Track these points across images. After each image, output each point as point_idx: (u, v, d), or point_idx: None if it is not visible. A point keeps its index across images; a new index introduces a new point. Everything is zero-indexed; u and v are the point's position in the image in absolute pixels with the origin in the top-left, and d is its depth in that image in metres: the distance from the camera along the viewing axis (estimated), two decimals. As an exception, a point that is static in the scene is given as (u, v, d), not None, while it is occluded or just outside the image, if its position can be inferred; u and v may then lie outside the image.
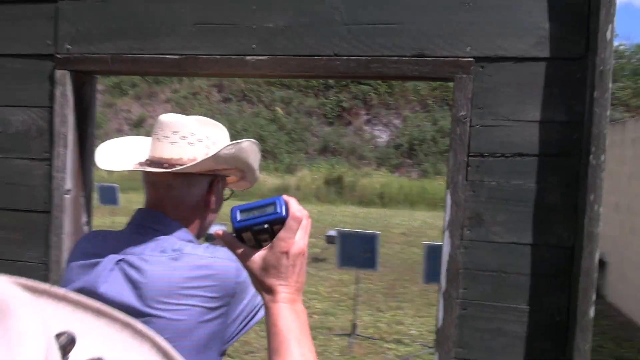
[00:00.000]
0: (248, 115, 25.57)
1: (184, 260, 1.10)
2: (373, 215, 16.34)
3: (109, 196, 9.67)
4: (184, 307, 1.06)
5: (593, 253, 1.36)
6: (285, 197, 0.86)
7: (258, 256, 0.83)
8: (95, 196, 9.83)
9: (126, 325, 0.43)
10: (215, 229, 0.92)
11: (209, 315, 1.08)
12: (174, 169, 1.17)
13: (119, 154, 1.33)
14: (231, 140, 1.24)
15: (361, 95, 25.08)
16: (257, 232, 0.83)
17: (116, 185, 9.85)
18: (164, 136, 1.22)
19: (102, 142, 1.37)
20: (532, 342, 1.43)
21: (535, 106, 1.43)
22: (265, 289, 0.83)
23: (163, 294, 1.06)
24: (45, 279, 1.73)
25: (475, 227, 1.46)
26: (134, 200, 16.66)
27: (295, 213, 0.83)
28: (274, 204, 0.83)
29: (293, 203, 0.84)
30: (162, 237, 1.17)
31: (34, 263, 1.75)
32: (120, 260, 1.13)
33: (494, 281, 1.45)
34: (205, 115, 1.38)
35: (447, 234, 1.47)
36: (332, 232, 8.37)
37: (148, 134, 1.37)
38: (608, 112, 1.34)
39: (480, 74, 1.46)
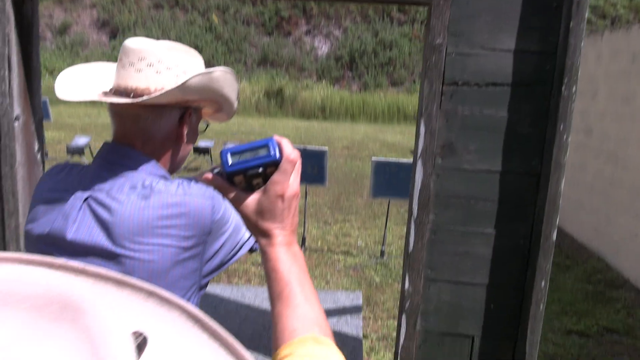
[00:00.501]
0: (182, 23, 24.30)
1: (155, 198, 1.05)
2: (315, 128, 16.37)
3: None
4: (157, 247, 1.03)
5: (559, 180, 1.42)
6: (277, 137, 0.82)
7: (252, 200, 0.81)
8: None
9: (151, 294, 0.41)
10: (205, 173, 0.88)
11: (183, 255, 1.06)
12: (139, 100, 1.08)
13: (80, 83, 1.22)
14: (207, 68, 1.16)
15: (300, 4, 24.22)
16: (250, 176, 0.80)
17: (46, 98, 9.28)
18: (130, 63, 1.12)
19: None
20: (498, 264, 1.51)
21: (511, 35, 1.42)
22: (261, 233, 0.81)
23: (134, 233, 1.02)
24: (0, 210, 1.65)
25: (448, 155, 1.48)
26: (65, 114, 15.90)
27: (289, 155, 0.80)
28: (266, 146, 0.80)
29: (286, 144, 0.81)
30: (131, 172, 1.11)
31: (-14, 195, 1.65)
32: (87, 197, 1.07)
33: (464, 207, 1.50)
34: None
35: (419, 162, 1.49)
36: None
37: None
38: (582, 44, 1.35)
39: (458, 0, 1.42)
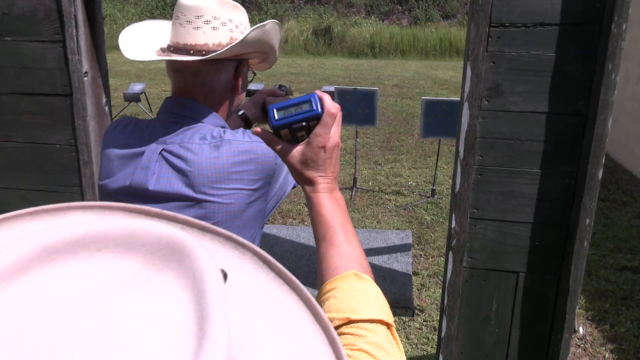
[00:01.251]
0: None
1: (225, 147, 1.14)
2: (364, 66, 16.13)
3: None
4: (232, 191, 1.13)
5: (606, 120, 1.43)
6: (319, 93, 0.88)
7: (297, 151, 0.87)
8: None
9: (228, 238, 0.49)
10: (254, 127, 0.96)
11: (254, 196, 1.17)
12: (204, 57, 1.15)
13: (139, 42, 1.31)
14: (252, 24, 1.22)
15: None
16: (295, 129, 0.87)
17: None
18: (187, 21, 1.18)
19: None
20: (543, 203, 1.55)
21: (560, -27, 1.40)
22: (305, 181, 0.88)
23: (211, 180, 1.12)
24: (75, 159, 1.80)
25: (494, 97, 1.51)
26: (119, 61, 16.28)
27: (330, 109, 0.86)
28: (309, 101, 0.86)
29: (327, 99, 0.87)
30: (197, 124, 1.19)
31: (62, 145, 1.81)
32: (162, 150, 1.16)
33: (510, 148, 1.54)
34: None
35: (466, 105, 1.52)
36: (329, 88, 8.35)
37: None
38: (635, -21, 1.33)
39: (505, -61, 1.40)
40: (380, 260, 2.17)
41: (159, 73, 13.79)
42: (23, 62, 1.74)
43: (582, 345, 3.38)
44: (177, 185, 1.15)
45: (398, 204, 5.52)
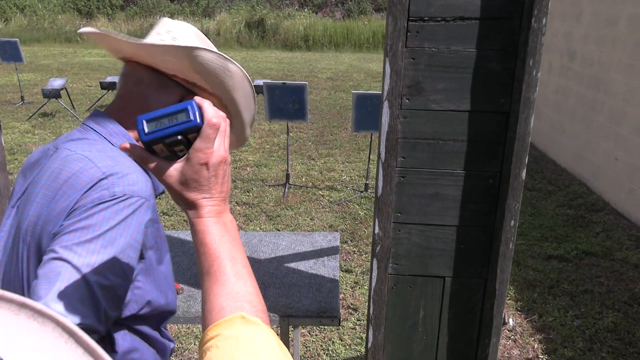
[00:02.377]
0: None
1: (55, 155, 1.04)
2: (298, 59, 16.03)
3: (11, 52, 8.81)
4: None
5: (528, 118, 1.37)
6: (197, 99, 0.75)
7: (174, 169, 0.74)
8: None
9: (22, 306, 0.38)
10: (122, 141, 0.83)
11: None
12: (136, 41, 1.01)
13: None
14: None
15: None
16: (169, 144, 0.73)
17: (16, 39, 8.92)
18: (157, 32, 1.11)
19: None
20: (467, 205, 1.49)
21: (479, -36, 1.33)
22: (187, 204, 0.76)
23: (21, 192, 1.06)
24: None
25: (415, 95, 1.43)
26: (40, 54, 15.38)
27: (211, 119, 0.73)
28: (185, 110, 0.73)
29: (207, 107, 0.74)
30: (95, 135, 1.07)
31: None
32: (48, 150, 1.10)
33: (432, 149, 1.46)
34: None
35: (386, 104, 1.43)
36: (259, 82, 8.19)
37: None
38: (554, -29, 1.27)
39: None
40: (306, 265, 2.07)
41: (83, 67, 13.13)
42: None
43: (512, 336, 3.43)
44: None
45: (332, 200, 5.46)
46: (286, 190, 5.56)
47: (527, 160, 1.41)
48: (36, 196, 0.99)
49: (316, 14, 21.89)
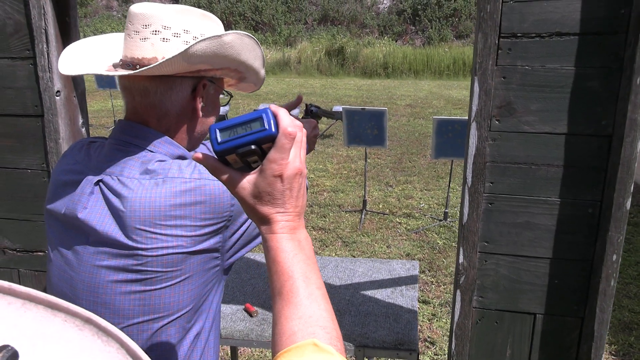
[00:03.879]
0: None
1: (167, 185, 0.96)
2: (377, 87, 16.04)
3: (106, 79, 9.40)
4: (168, 238, 0.95)
5: (635, 142, 1.25)
6: (273, 107, 0.71)
7: (247, 181, 0.70)
8: (93, 79, 9.58)
9: (87, 321, 0.36)
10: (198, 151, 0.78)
11: (199, 245, 0.98)
12: (136, 71, 0.96)
13: (89, 56, 1.13)
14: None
15: (361, -43, 23.47)
16: (242, 154, 0.70)
17: (113, 68, 9.51)
18: (135, 31, 1.00)
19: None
20: (563, 236, 1.37)
21: (579, -24, 1.24)
22: (259, 219, 0.71)
23: (144, 224, 0.95)
24: (46, 185, 1.66)
25: (505, 117, 1.33)
26: (133, 82, 16.35)
27: (286, 128, 0.69)
28: (260, 119, 0.69)
29: (283, 115, 0.70)
30: (144, 152, 1.02)
31: (34, 170, 1.66)
32: (99, 181, 1.00)
33: (524, 174, 1.36)
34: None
35: (473, 125, 1.35)
36: (338, 108, 8.23)
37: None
38: (666, -19, 1.16)
39: (516, -62, 1.25)
40: (383, 294, 1.99)
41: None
42: (-8, 81, 1.61)
43: (606, 382, 3.14)
44: (109, 226, 0.97)
45: (409, 228, 5.32)
46: (363, 216, 5.49)
47: (632, 188, 1.28)
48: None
49: (396, 41, 21.92)
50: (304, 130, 0.73)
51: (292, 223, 0.71)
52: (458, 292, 1.45)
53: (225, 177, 0.71)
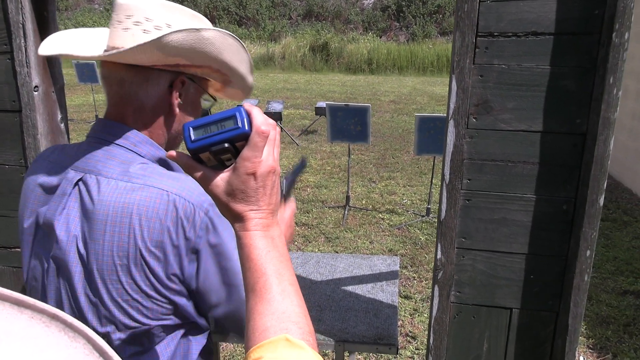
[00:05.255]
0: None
1: (144, 192, 0.94)
2: (361, 82, 16.07)
3: (88, 73, 9.30)
4: (115, 245, 0.94)
5: (608, 140, 1.27)
6: (246, 106, 0.72)
7: (221, 179, 0.72)
8: (74, 73, 9.47)
9: (54, 318, 0.36)
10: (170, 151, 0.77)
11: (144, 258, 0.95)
12: (108, 53, 0.95)
13: (72, 42, 1.10)
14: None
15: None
16: (216, 152, 0.71)
17: (93, 62, 9.42)
18: (118, 21, 0.99)
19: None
20: (538, 232, 1.39)
21: (554, -24, 1.26)
22: (233, 216, 0.73)
23: (96, 230, 0.93)
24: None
25: (482, 114, 1.35)
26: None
27: (260, 127, 0.70)
28: (233, 117, 0.71)
29: (256, 114, 0.72)
30: (124, 151, 1.00)
31: (12, 166, 1.65)
32: (79, 180, 0.99)
33: (500, 171, 1.38)
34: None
35: (451, 123, 1.37)
36: (321, 104, 8.23)
37: None
38: (638, -18, 1.18)
39: (493, -62, 1.26)
40: (364, 289, 2.00)
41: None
42: (-32, 75, 1.59)
43: (583, 375, 3.20)
44: (77, 229, 0.95)
45: (392, 224, 5.36)
46: (346, 212, 5.51)
47: (605, 185, 1.31)
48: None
49: (380, 37, 21.96)
50: (278, 129, 0.73)
51: (265, 220, 0.72)
52: (436, 288, 1.47)
53: (198, 174, 0.72)
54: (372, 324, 1.78)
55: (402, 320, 3.65)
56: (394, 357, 3.24)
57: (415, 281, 4.22)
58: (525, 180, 1.37)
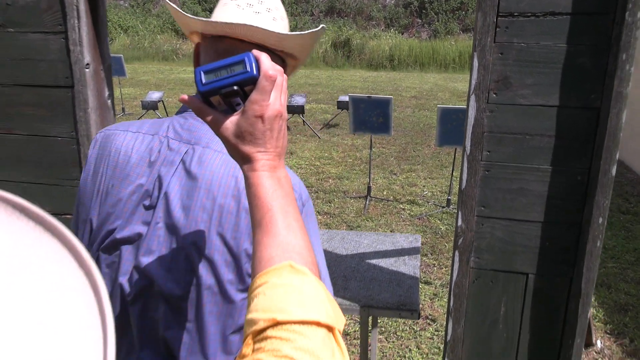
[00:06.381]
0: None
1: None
2: (383, 78, 16.11)
3: (115, 67, 9.52)
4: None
5: (620, 113, 1.36)
6: (255, 52, 0.74)
7: (230, 122, 0.74)
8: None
9: (3, 200, 0.40)
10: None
11: None
12: (293, 33, 0.95)
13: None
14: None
15: (368, -51, 23.46)
16: (226, 95, 0.73)
17: (120, 55, 9.65)
18: (248, 4, 0.99)
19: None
20: (553, 201, 1.48)
21: (571, -41, 1.35)
22: (242, 158, 0.75)
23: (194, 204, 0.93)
24: (76, 152, 1.78)
25: (502, 90, 1.45)
26: (140, 70, 16.46)
27: (267, 71, 0.73)
28: (242, 62, 0.73)
29: (264, 59, 0.74)
30: None
31: (64, 138, 1.79)
32: (186, 151, 0.98)
33: (518, 143, 1.47)
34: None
35: (473, 97, 1.47)
36: (344, 98, 8.33)
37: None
38: (650, -36, 1.27)
39: None
40: (387, 262, 2.11)
41: (178, 83, 13.91)
42: (26, 54, 1.73)
43: (600, 359, 3.26)
44: (180, 203, 0.95)
45: (412, 214, 5.44)
46: (367, 202, 5.61)
47: (617, 156, 1.39)
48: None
49: (402, 34, 21.94)
50: (285, 76, 0.77)
51: (272, 162, 0.75)
52: (457, 253, 1.57)
53: (209, 118, 0.76)
54: (395, 292, 1.88)
55: (422, 304, 3.74)
56: (415, 338, 3.34)
57: (435, 268, 4.31)
58: (542, 152, 1.46)
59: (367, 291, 1.88)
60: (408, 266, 2.08)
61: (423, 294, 3.89)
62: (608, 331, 3.54)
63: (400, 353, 3.20)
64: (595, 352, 3.31)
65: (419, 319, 1.80)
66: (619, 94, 1.35)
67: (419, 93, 13.19)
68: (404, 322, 3.50)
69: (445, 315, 1.66)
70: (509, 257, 1.56)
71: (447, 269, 4.31)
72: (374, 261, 2.12)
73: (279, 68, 0.75)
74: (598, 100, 1.40)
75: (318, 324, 0.59)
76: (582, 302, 1.50)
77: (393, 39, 20.64)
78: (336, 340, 0.60)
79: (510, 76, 1.44)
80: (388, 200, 5.77)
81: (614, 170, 1.40)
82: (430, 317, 3.60)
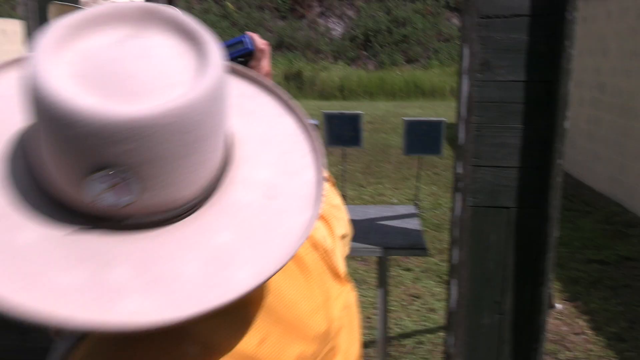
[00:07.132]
0: (197, 11, 24.83)
1: None
2: (336, 107, 16.85)
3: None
4: None
5: (567, 83, 1.95)
6: (249, 33, 0.98)
7: None
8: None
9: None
10: None
11: None
12: None
13: None
14: None
15: (314, -13, 24.59)
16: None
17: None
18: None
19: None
20: (526, 150, 2.05)
21: (528, -22, 1.95)
22: None
23: None
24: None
25: (485, 71, 2.02)
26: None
27: (259, 45, 0.96)
28: (242, 41, 0.96)
29: (256, 37, 0.97)
30: None
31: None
32: None
33: (498, 109, 2.04)
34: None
35: (465, 77, 2.03)
36: (314, 121, 8.89)
37: None
38: (581, -21, 1.87)
39: (488, -46, 1.95)
40: (394, 223, 2.62)
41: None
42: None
43: (560, 317, 3.85)
44: None
45: (385, 217, 6.01)
46: (342, 210, 6.14)
47: (566, 113, 1.98)
48: None
49: (350, 65, 22.96)
50: (270, 46, 1.08)
51: None
52: (458, 194, 2.10)
53: None
54: (406, 239, 2.40)
55: (406, 286, 4.26)
56: (404, 309, 3.83)
57: (412, 258, 4.85)
58: (515, 114, 2.03)
59: (383, 239, 2.39)
60: (410, 224, 2.60)
61: (406, 278, 4.41)
62: (564, 298, 4.16)
63: (394, 322, 3.69)
64: (556, 312, 3.90)
65: (426, 255, 2.31)
66: (566, 70, 1.94)
67: (372, 119, 13.96)
68: (393, 300, 4.00)
69: (450, 246, 2.18)
70: (495, 195, 2.10)
71: (423, 259, 4.85)
72: (383, 222, 2.63)
73: (265, 42, 1.01)
74: (552, 75, 1.99)
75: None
76: (549, 225, 2.06)
77: (342, 71, 21.60)
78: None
79: (490, 61, 2.01)
80: (361, 208, 6.32)
81: (566, 124, 1.98)
82: (415, 294, 4.12)
